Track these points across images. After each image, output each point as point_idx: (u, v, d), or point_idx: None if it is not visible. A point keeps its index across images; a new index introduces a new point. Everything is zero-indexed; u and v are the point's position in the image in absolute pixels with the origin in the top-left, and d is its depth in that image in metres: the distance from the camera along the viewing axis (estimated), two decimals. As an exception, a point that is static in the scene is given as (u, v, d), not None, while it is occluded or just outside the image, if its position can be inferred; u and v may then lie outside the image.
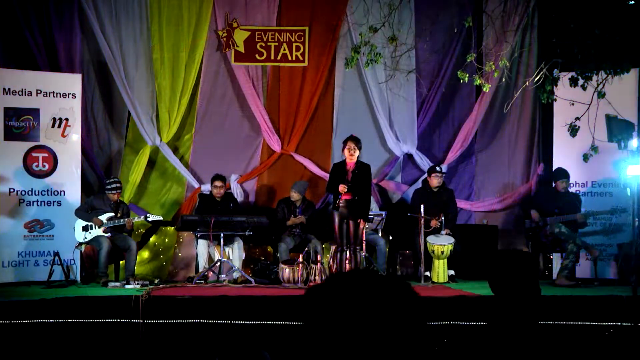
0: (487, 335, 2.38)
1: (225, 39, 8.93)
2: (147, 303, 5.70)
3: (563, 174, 8.01)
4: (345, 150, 6.89)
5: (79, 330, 5.55)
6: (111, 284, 7.37)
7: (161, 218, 8.08)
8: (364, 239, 7.20)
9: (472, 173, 9.22)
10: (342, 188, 6.70)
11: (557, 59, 7.82)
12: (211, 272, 7.74)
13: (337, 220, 6.80)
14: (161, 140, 8.78)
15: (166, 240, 8.81)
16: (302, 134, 9.04)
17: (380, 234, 8.25)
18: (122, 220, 7.72)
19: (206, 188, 8.59)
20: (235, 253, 7.91)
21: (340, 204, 6.75)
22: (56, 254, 7.48)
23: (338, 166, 7.01)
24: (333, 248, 7.20)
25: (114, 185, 7.82)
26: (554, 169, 8.43)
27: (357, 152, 6.90)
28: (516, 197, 8.98)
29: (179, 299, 5.91)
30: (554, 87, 7.90)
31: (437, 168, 8.36)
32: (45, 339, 5.47)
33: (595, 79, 7.69)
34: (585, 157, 7.81)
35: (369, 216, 7.42)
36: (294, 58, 9.01)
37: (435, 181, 8.24)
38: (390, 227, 8.64)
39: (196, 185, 8.83)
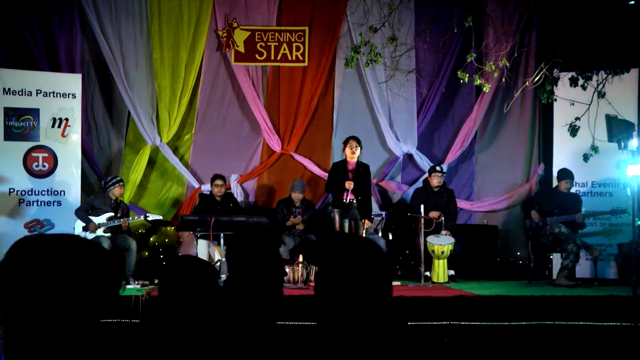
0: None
1: (225, 39, 8.93)
2: (147, 303, 5.70)
3: (568, 174, 7.99)
4: (347, 149, 6.89)
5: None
6: (111, 284, 7.35)
7: (161, 217, 8.08)
8: (364, 239, 7.19)
9: (472, 173, 9.23)
10: (348, 184, 6.70)
11: (557, 59, 7.81)
12: (211, 272, 7.73)
13: (337, 219, 6.80)
14: (161, 140, 8.78)
15: (166, 240, 8.81)
16: (302, 134, 9.04)
17: (380, 234, 8.25)
18: (120, 220, 7.72)
19: (206, 188, 8.59)
20: (236, 253, 7.89)
21: (345, 203, 6.75)
22: (56, 254, 7.47)
23: (338, 166, 7.00)
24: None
25: (116, 180, 7.83)
26: (554, 168, 8.43)
27: (359, 151, 6.90)
28: (516, 197, 8.98)
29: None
30: (554, 87, 7.89)
31: (437, 168, 8.36)
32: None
33: (595, 79, 7.69)
34: (585, 157, 7.81)
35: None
36: (294, 58, 9.01)
37: (435, 181, 8.24)
38: (390, 227, 8.65)
39: (196, 185, 8.83)
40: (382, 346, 1.72)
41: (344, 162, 6.93)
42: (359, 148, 6.90)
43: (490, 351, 5.56)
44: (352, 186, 6.69)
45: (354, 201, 6.75)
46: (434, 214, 7.94)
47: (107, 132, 8.95)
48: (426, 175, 8.58)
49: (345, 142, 6.96)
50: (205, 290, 2.25)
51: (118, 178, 7.89)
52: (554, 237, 7.75)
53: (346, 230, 6.79)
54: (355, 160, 6.88)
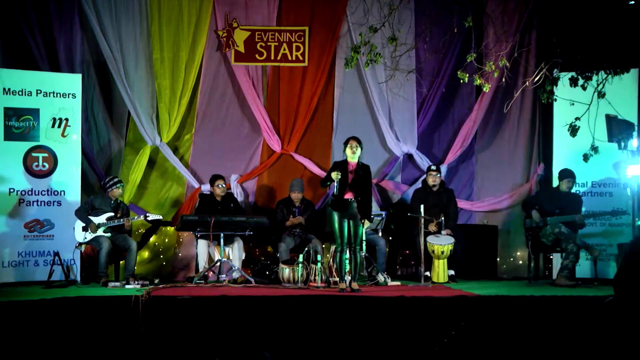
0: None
1: (225, 39, 8.93)
2: (147, 303, 5.70)
3: (570, 173, 7.99)
4: (347, 149, 6.89)
5: (79, 330, 5.55)
6: (111, 284, 7.37)
7: (161, 217, 8.10)
8: (364, 239, 7.20)
9: (472, 173, 9.23)
10: (334, 175, 6.71)
11: (557, 59, 7.81)
12: (211, 272, 7.74)
13: (337, 219, 6.80)
14: (161, 140, 8.79)
15: (166, 240, 8.81)
16: (302, 134, 9.05)
17: (380, 234, 8.25)
18: (120, 220, 7.73)
19: (206, 188, 8.59)
20: (235, 253, 7.91)
21: (335, 198, 6.76)
22: (56, 254, 7.49)
23: (339, 165, 7.00)
24: (333, 248, 7.20)
25: (116, 180, 7.86)
26: (554, 168, 8.44)
27: (359, 151, 6.90)
28: (516, 197, 8.98)
29: (179, 299, 5.91)
30: (554, 87, 7.90)
31: (433, 167, 8.39)
32: (45, 339, 5.47)
33: (595, 79, 7.69)
34: (585, 157, 7.81)
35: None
36: (294, 58, 9.02)
37: (431, 179, 8.26)
38: (390, 227, 8.65)
39: (196, 185, 8.84)
40: None
41: (345, 162, 6.93)
42: (360, 148, 6.90)
43: (490, 351, 5.56)
44: (339, 176, 6.70)
45: (348, 201, 6.76)
46: (433, 228, 7.97)
47: (107, 132, 8.94)
48: (425, 175, 8.60)
49: (346, 143, 6.97)
50: None
51: (117, 179, 7.91)
52: (554, 237, 7.75)
53: (344, 230, 6.79)
54: (356, 160, 6.89)
